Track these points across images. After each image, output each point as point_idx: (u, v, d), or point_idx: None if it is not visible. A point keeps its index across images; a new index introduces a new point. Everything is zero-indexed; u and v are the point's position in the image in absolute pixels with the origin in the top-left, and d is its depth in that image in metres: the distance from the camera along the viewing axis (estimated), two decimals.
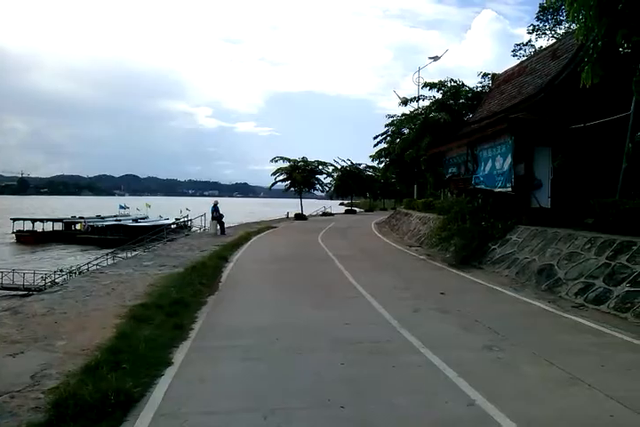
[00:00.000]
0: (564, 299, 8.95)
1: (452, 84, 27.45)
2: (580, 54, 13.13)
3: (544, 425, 4.12)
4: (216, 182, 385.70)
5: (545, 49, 19.27)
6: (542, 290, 9.73)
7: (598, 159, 13.22)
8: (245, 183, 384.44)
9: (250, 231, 24.45)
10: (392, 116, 34.98)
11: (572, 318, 7.72)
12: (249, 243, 20.10)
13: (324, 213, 50.73)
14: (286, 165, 43.82)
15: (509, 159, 13.81)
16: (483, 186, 15.55)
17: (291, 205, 48.50)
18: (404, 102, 30.17)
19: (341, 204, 78.47)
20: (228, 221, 27.86)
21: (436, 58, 34.96)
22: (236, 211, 52.93)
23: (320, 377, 5.15)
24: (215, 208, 24.32)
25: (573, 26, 9.27)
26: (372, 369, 5.40)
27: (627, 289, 8.02)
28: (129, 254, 22.20)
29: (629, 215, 9.63)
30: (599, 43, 8.75)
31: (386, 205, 64.55)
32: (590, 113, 12.62)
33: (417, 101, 29.97)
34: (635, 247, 8.75)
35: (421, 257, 15.49)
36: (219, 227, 24.14)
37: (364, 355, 5.87)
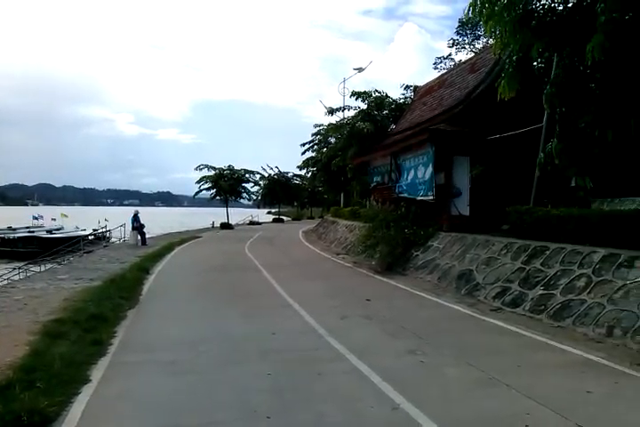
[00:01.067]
0: (482, 302, 9.29)
1: (377, 94, 28.12)
2: (496, 69, 13.83)
3: (464, 425, 4.22)
4: (137, 191, 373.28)
5: (464, 63, 20.16)
6: (463, 294, 10.06)
7: (514, 169, 13.92)
8: (168, 192, 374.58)
9: (173, 242, 23.74)
10: (319, 126, 35.38)
11: (491, 320, 8.02)
12: (172, 254, 19.51)
13: (252, 222, 50.22)
14: (212, 173, 43.05)
15: (430, 169, 14.27)
16: (406, 194, 15.96)
17: (217, 215, 47.68)
18: (331, 112, 30.56)
19: (269, 212, 78.10)
20: (150, 231, 27.01)
21: (360, 69, 35.75)
22: (159, 221, 51.31)
23: (246, 389, 5.03)
24: (136, 218, 23.47)
25: (491, 41, 9.70)
26: (299, 378, 5.34)
27: (540, 292, 8.44)
28: (43, 267, 20.91)
29: (542, 222, 10.16)
30: (514, 58, 9.23)
31: (313, 214, 64.87)
32: (507, 124, 13.27)
33: (342, 111, 30.45)
34: (547, 252, 9.24)
35: (348, 265, 15.64)
36: (139, 237, 23.29)
37: (291, 364, 5.80)
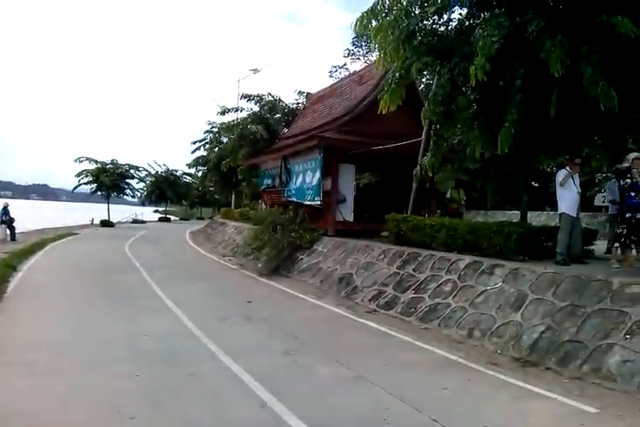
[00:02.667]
0: (360, 305, 9.68)
1: (270, 98, 28.26)
2: (382, 82, 14.48)
3: (327, 421, 4.40)
4: (10, 182, 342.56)
5: (353, 74, 20.90)
6: (342, 297, 10.41)
7: (398, 178, 14.69)
8: (45, 185, 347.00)
9: (46, 238, 22.15)
10: (212, 124, 34.69)
11: (365, 322, 8.39)
12: (44, 250, 18.21)
13: (135, 221, 48.01)
14: (93, 166, 40.65)
15: (318, 174, 14.61)
16: (294, 198, 16.19)
17: (98, 211, 45.10)
18: (223, 112, 30.20)
19: (156, 211, 75.19)
20: (22, 226, 25.01)
21: (255, 70, 35.67)
22: (33, 215, 47.51)
23: (111, 390, 4.86)
24: (5, 211, 21.63)
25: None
26: (170, 379, 5.27)
27: (412, 295, 8.97)
28: None
29: (417, 230, 10.79)
30: (397, 74, 9.76)
31: (203, 214, 63.43)
32: (391, 136, 13.93)
33: (235, 112, 30.21)
34: (420, 258, 9.85)
35: (234, 267, 15.55)
36: (8, 232, 21.49)
37: (163, 366, 5.69)
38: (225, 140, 32.08)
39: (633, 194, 7.90)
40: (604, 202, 17.94)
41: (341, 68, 42.25)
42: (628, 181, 7.98)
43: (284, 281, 12.72)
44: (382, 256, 10.83)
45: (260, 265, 14.66)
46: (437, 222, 10.40)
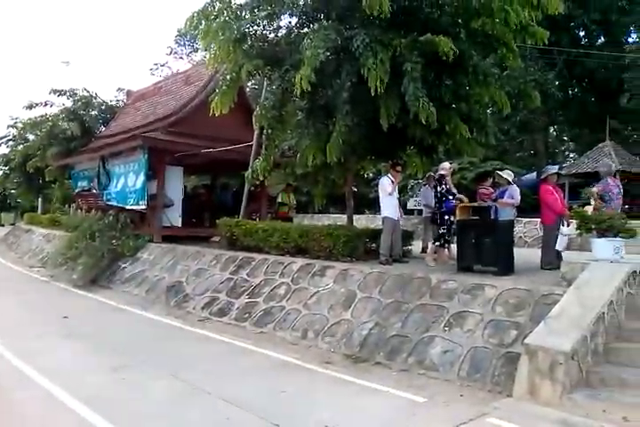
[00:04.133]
0: (191, 314, 9.32)
1: (85, 93, 26.03)
2: (211, 84, 14.24)
3: None
4: None
5: (180, 73, 20.25)
6: (172, 306, 9.93)
7: (228, 182, 14.50)
8: None
9: None
10: (15, 118, 30.79)
11: (199, 331, 8.10)
12: None
13: None
14: None
15: (142, 177, 13.79)
16: (115, 202, 15.08)
17: None
18: (30, 107, 27.00)
19: None
20: None
21: (67, 63, 32.71)
22: None
23: None
24: None
25: (208, 55, 9.91)
26: None
27: (246, 300, 8.89)
28: None
29: (250, 234, 10.74)
30: (228, 76, 9.63)
31: (3, 221, 56.03)
32: (222, 139, 13.72)
33: (45, 106, 27.20)
34: (254, 263, 9.83)
35: (44, 279, 13.96)
36: None
37: None
38: (32, 137, 28.70)
39: (451, 197, 8.88)
40: (416, 206, 19.84)
41: (163, 65, 40.84)
42: (444, 187, 8.93)
43: (105, 292, 11.75)
44: (214, 262, 10.58)
45: (75, 276, 13.31)
46: (270, 226, 10.48)
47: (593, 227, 6.80)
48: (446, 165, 9.26)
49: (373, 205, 26.33)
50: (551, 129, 33.64)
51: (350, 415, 4.74)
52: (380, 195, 9.35)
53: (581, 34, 27.62)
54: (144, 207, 13.82)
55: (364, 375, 5.90)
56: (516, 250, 8.24)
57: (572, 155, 35.20)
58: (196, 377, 5.65)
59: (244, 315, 8.59)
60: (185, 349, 7.07)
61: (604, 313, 5.41)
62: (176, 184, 14.41)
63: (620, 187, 8.80)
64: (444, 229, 8.95)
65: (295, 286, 8.58)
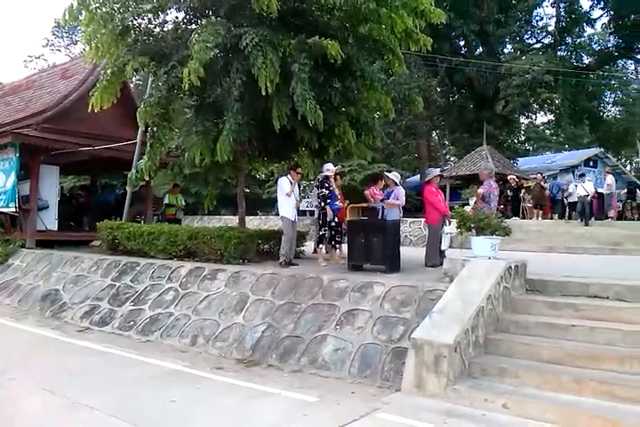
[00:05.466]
0: (69, 324, 8.64)
1: None
2: (90, 78, 13.38)
3: None
4: None
5: (57, 66, 18.82)
6: (47, 317, 9.14)
7: (109, 183, 13.66)
8: None
9: None
10: None
11: (78, 342, 7.50)
12: None
13: None
14: None
15: (13, 177, 12.61)
16: None
17: None
18: None
19: None
20: None
21: None
22: None
23: None
24: None
25: (88, 48, 9.29)
26: None
27: (130, 308, 8.40)
28: None
29: (134, 237, 10.18)
30: (109, 71, 9.09)
31: None
32: (104, 136, 12.91)
33: None
34: (138, 268, 9.32)
35: None
36: None
37: None
38: None
39: (335, 199, 8.96)
40: (307, 206, 20.01)
41: (38, 58, 37.94)
42: (325, 190, 8.97)
43: None
44: (95, 268, 9.90)
45: None
46: (156, 229, 10.00)
47: (472, 226, 7.21)
48: (330, 166, 9.27)
49: (267, 206, 26.32)
50: (434, 133, 35.69)
51: (242, 421, 4.62)
52: (279, 195, 9.12)
53: (461, 43, 29.55)
54: (14, 210, 12.64)
55: (256, 379, 5.79)
56: (402, 249, 8.54)
57: (452, 158, 37.60)
58: (77, 392, 5.20)
59: (128, 323, 8.11)
60: (63, 362, 6.48)
61: (483, 307, 5.70)
62: (51, 185, 13.33)
63: (498, 188, 9.45)
64: (325, 230, 9.02)
65: (184, 291, 8.25)
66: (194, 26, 9.28)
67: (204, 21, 8.48)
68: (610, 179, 17.20)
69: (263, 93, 7.57)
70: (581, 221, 14.73)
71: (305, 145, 9.66)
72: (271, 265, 8.57)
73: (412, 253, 9.33)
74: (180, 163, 10.06)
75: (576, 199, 15.74)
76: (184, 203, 14.76)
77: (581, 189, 15.50)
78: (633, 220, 17.65)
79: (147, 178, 9.91)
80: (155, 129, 9.61)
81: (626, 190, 20.24)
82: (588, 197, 15.32)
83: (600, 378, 4.77)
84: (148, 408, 4.87)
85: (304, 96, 7.57)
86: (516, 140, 36.95)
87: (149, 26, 9.53)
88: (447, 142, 37.64)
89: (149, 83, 10.63)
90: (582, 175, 17.11)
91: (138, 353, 6.89)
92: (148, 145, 9.91)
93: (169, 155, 11.42)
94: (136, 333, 7.85)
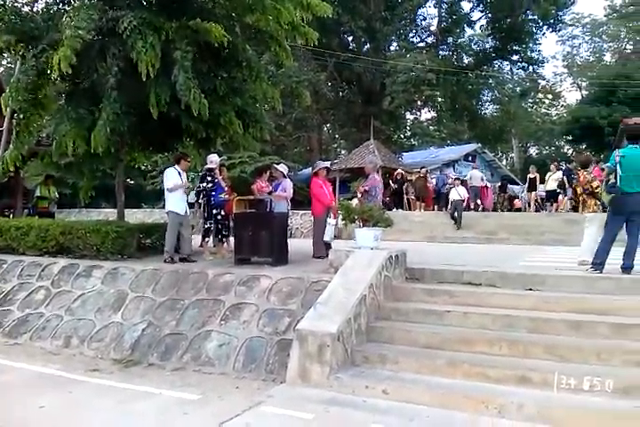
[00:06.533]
0: None
1: None
2: None
3: None
4: None
5: None
6: None
7: None
8: None
9: None
10: None
11: None
12: None
13: None
14: None
15: None
16: None
17: None
18: None
19: None
20: None
21: None
22: None
23: None
24: None
25: None
26: None
27: None
28: None
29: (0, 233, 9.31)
30: None
31: None
32: None
33: None
34: (5, 266, 8.56)
35: None
36: None
37: None
38: None
39: (220, 192, 8.77)
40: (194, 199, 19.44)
41: None
42: (206, 184, 8.76)
43: None
44: None
45: None
46: (25, 223, 9.18)
47: (356, 217, 7.38)
48: (214, 157, 9.03)
49: (152, 199, 25.26)
50: (325, 127, 36.25)
51: (112, 425, 4.39)
52: (165, 188, 8.50)
53: (350, 39, 30.17)
54: None
55: (135, 380, 5.53)
56: (292, 241, 8.58)
57: (343, 151, 38.43)
58: None
59: None
60: None
61: (365, 295, 5.85)
62: None
63: (382, 182, 9.74)
64: (210, 223, 8.84)
65: (56, 290, 7.69)
66: (67, 7, 8.64)
67: (77, 3, 7.91)
68: (474, 174, 19.34)
69: (144, 79, 7.20)
70: (455, 223, 15.20)
71: (190, 135, 9.34)
72: (154, 261, 8.21)
73: (301, 245, 9.38)
74: (51, 152, 9.32)
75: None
76: (57, 195, 13.73)
77: (455, 193, 15.93)
78: (503, 211, 18.99)
79: (12, 169, 9.08)
80: (21, 116, 8.81)
81: (499, 184, 21.70)
82: (463, 203, 15.87)
83: (472, 361, 5.06)
84: (14, 417, 4.50)
85: (188, 85, 7.31)
86: (402, 136, 38.43)
87: (16, 4, 8.76)
88: (337, 136, 38.40)
89: (17, 66, 9.74)
90: (457, 179, 17.93)
91: (4, 357, 6.38)
92: (14, 133, 9.08)
93: (40, 144, 10.54)
94: (3, 335, 7.23)
